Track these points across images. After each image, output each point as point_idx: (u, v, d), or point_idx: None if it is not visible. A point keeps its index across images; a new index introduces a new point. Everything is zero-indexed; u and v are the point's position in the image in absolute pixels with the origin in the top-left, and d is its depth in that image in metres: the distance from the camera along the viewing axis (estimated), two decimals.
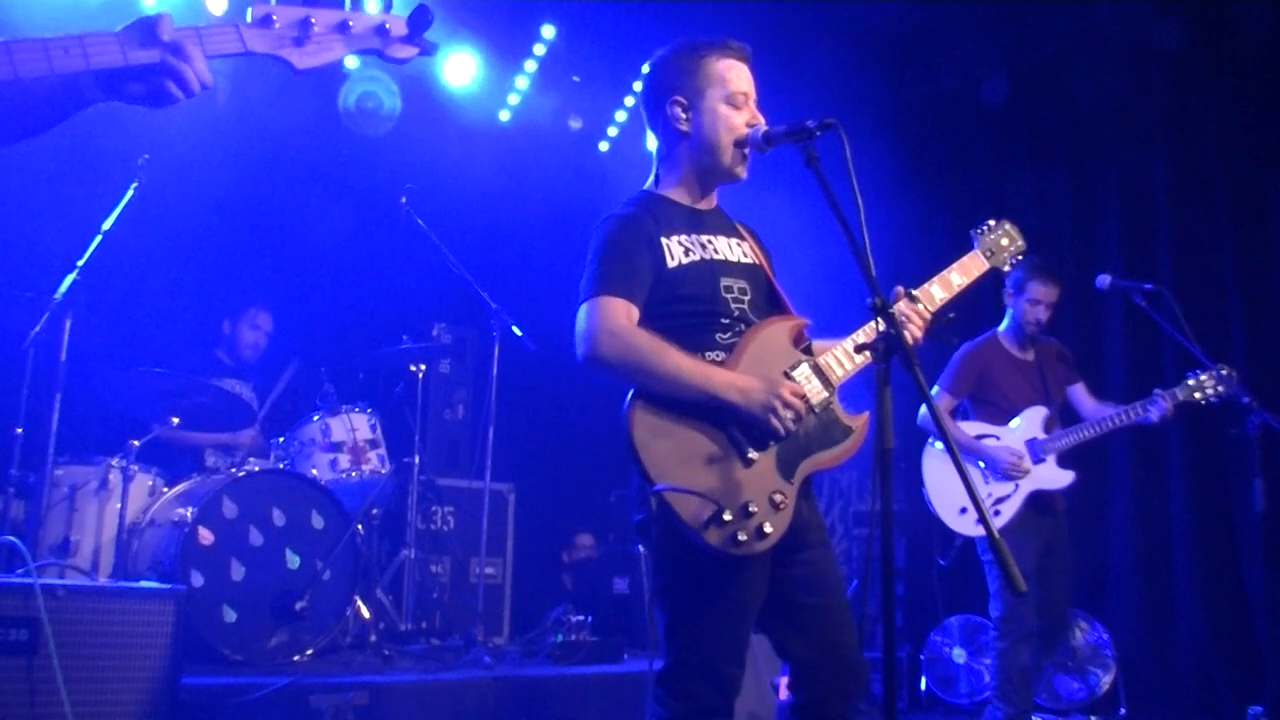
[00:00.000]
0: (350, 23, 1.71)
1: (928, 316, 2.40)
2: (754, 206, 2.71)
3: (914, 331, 2.35)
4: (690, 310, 2.33)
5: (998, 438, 4.32)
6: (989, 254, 2.64)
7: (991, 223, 2.69)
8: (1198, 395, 4.13)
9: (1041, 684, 5.31)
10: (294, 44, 1.68)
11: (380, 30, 1.74)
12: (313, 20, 1.67)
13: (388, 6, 1.77)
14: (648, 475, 2.13)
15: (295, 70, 1.68)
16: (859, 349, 2.23)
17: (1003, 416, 4.36)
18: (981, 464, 4.25)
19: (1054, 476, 4.24)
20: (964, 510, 4.24)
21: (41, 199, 4.72)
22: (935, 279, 2.53)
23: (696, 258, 2.37)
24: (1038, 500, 4.23)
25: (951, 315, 4.07)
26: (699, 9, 5.18)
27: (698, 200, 2.48)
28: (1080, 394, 4.49)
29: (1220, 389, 4.11)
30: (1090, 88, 5.72)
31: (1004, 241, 2.67)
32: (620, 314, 2.25)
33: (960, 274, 2.56)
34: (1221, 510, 5.31)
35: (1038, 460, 4.24)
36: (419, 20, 1.75)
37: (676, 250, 2.36)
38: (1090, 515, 5.80)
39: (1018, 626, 4.11)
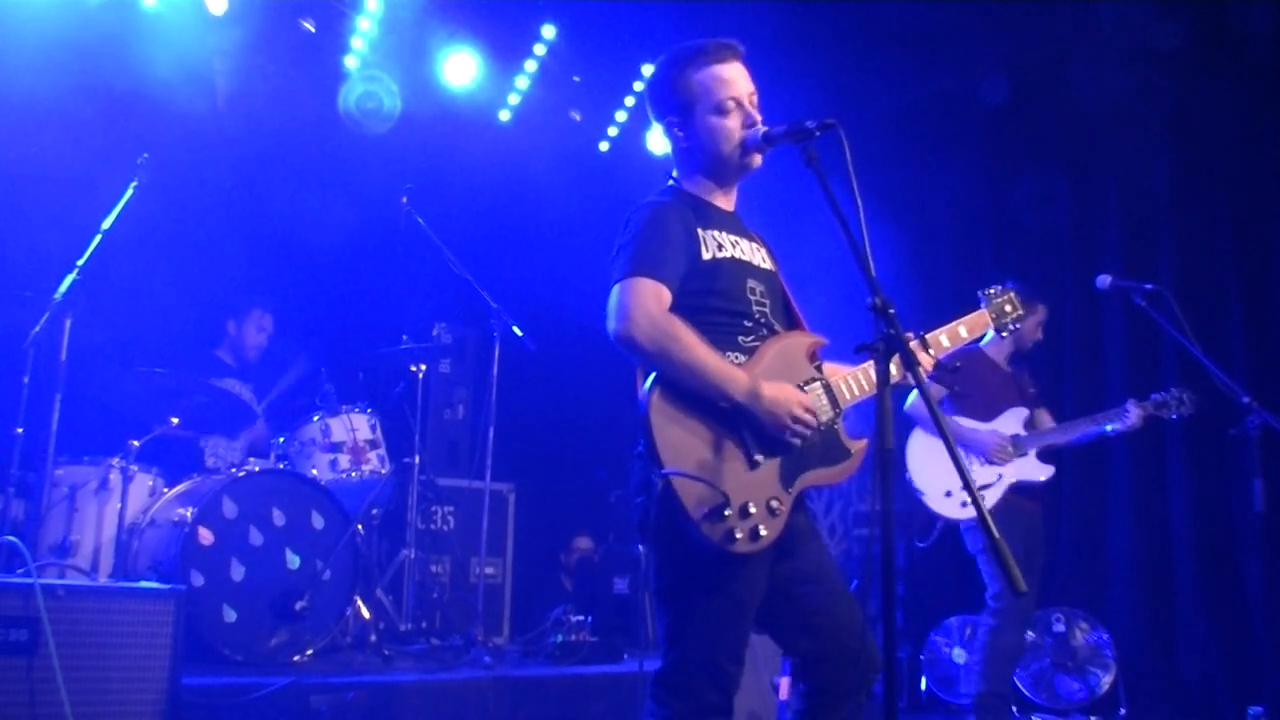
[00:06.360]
0: None
1: (933, 360, 2.54)
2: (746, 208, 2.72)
3: (920, 374, 2.38)
4: (721, 307, 2.35)
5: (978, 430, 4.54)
6: (994, 316, 2.88)
7: (998, 287, 2.96)
8: (1164, 412, 4.39)
9: (1041, 684, 5.32)
10: None
11: None
12: None
13: None
14: (658, 457, 2.14)
15: None
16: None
17: (984, 413, 4.56)
18: (960, 451, 4.36)
19: (1035, 469, 4.48)
20: (949, 494, 4.43)
21: (41, 199, 4.72)
22: (944, 329, 2.69)
23: (728, 255, 2.40)
24: (1020, 492, 4.45)
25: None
26: (699, 9, 5.17)
27: (720, 198, 2.51)
28: (1044, 416, 4.70)
29: (1184, 409, 4.37)
30: (1090, 88, 5.71)
31: (1007, 308, 2.92)
32: (656, 297, 2.25)
33: (967, 329, 2.76)
34: (1221, 510, 5.31)
35: (1020, 454, 4.48)
36: None
37: (711, 243, 2.39)
38: (1090, 515, 5.80)
39: (1010, 604, 4.31)
